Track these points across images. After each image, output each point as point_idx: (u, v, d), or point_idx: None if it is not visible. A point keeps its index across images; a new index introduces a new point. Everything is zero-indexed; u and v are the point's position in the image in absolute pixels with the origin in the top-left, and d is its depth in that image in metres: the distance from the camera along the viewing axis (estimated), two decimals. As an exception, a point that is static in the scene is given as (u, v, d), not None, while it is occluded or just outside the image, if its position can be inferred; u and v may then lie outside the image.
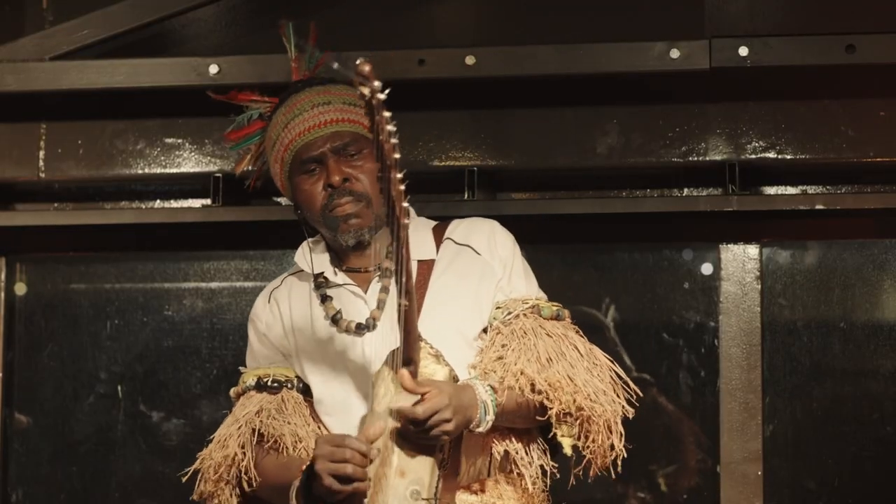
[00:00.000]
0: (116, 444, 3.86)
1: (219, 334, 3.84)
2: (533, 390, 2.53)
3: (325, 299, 2.68)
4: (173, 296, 3.89)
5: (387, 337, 2.53)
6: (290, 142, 2.70)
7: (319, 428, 2.67)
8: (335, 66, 2.58)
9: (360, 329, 2.59)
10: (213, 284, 3.87)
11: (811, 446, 3.62)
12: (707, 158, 3.54)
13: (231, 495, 2.67)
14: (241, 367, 2.83)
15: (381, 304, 2.58)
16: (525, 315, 2.64)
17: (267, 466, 2.64)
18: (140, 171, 3.72)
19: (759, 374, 3.56)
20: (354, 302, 2.68)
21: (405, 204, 2.27)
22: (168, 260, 3.89)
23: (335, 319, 2.63)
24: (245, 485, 2.64)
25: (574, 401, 2.52)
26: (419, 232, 2.73)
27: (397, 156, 2.21)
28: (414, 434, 2.40)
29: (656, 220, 3.59)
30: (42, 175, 3.75)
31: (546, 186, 3.67)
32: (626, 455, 2.57)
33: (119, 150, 3.73)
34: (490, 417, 2.49)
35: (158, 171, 3.72)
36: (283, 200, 3.75)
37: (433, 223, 2.80)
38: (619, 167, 3.59)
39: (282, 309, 2.77)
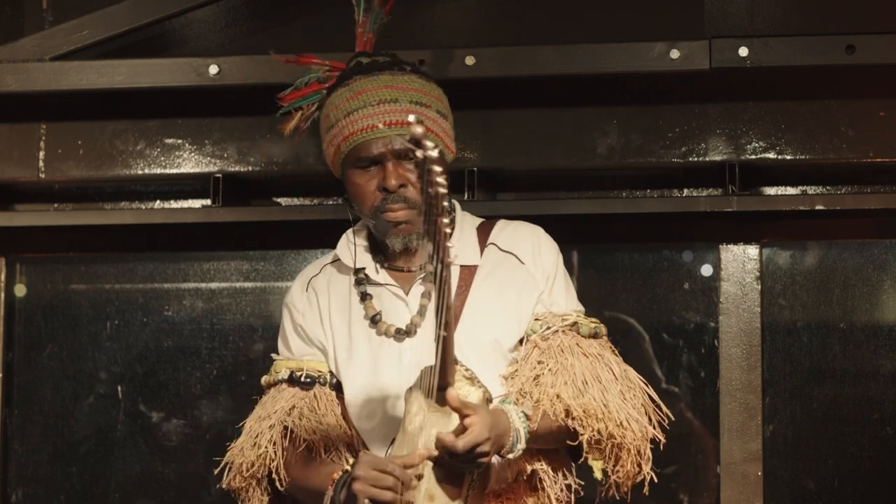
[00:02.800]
0: (116, 444, 3.86)
1: (219, 335, 3.84)
2: (567, 415, 2.52)
3: (364, 297, 2.65)
4: (173, 296, 3.89)
5: (425, 345, 2.50)
6: (350, 134, 2.63)
7: (350, 430, 2.64)
8: (402, 140, 2.55)
9: (400, 334, 2.58)
10: (213, 285, 3.87)
11: (811, 447, 3.62)
12: (707, 159, 3.54)
13: (260, 492, 2.65)
14: (273, 354, 2.78)
15: (422, 311, 2.57)
16: (564, 332, 2.61)
17: (298, 469, 2.61)
18: (140, 172, 3.72)
19: (759, 374, 3.56)
20: (395, 304, 2.64)
21: (449, 244, 2.25)
22: (168, 260, 3.89)
23: (374, 321, 2.62)
24: (278, 484, 2.61)
25: (606, 428, 2.51)
26: (463, 234, 2.70)
27: (446, 203, 2.19)
28: (448, 461, 2.38)
29: (656, 221, 3.59)
30: (42, 175, 3.75)
31: (546, 187, 3.67)
32: (656, 480, 2.57)
33: (119, 151, 3.73)
34: (521, 446, 2.47)
35: (158, 171, 3.72)
36: (283, 200, 3.75)
37: (478, 221, 2.76)
38: (618, 167, 3.59)
39: (320, 299, 2.71)
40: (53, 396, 3.89)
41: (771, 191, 3.60)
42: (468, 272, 2.65)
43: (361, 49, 2.83)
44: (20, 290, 3.93)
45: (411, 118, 2.16)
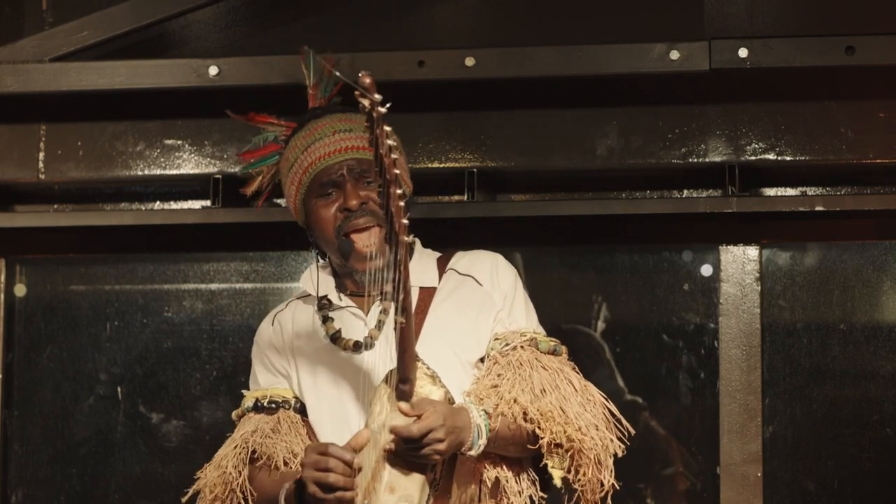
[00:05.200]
0: (116, 445, 3.86)
1: (218, 336, 3.84)
2: (525, 419, 2.54)
3: (325, 320, 2.70)
4: (173, 297, 3.89)
5: (385, 358, 2.55)
6: (309, 165, 2.71)
7: None
8: (337, 73, 2.59)
9: (358, 347, 2.61)
10: (213, 286, 3.87)
11: (811, 448, 3.62)
12: (707, 160, 3.54)
13: None
14: (243, 391, 2.83)
15: (379, 325, 2.60)
16: (523, 347, 2.65)
17: (262, 482, 2.65)
18: (140, 173, 3.72)
19: (759, 375, 3.56)
20: (355, 323, 2.69)
21: (405, 221, 2.28)
22: (168, 261, 3.89)
23: (334, 338, 2.66)
24: (242, 502, 2.64)
25: (565, 432, 2.53)
26: (423, 260, 2.75)
27: (398, 171, 2.22)
28: (406, 451, 2.42)
29: (656, 222, 3.59)
30: (42, 176, 3.75)
31: (546, 188, 3.67)
32: (617, 488, 2.56)
33: (119, 152, 3.73)
34: (482, 442, 2.50)
35: (158, 172, 3.72)
36: (283, 202, 3.75)
37: (438, 254, 2.81)
38: (618, 168, 3.59)
39: (284, 330, 2.78)
40: (53, 397, 3.90)
41: (771, 192, 3.60)
42: (427, 294, 2.69)
43: (313, 105, 2.90)
44: (20, 290, 3.93)
45: (361, 72, 2.17)
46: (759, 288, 3.58)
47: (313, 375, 2.70)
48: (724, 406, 3.56)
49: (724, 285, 3.59)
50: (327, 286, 2.76)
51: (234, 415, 2.82)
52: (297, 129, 2.80)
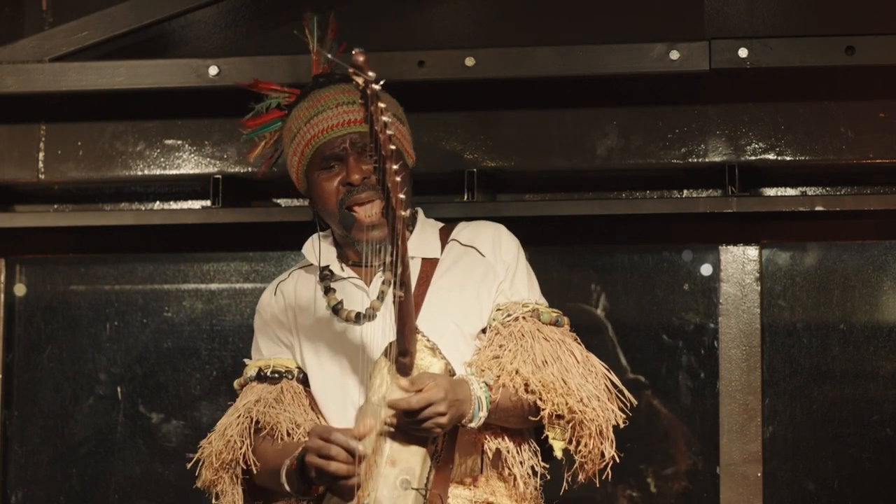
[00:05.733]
0: (116, 445, 3.86)
1: (218, 336, 3.84)
2: (527, 390, 2.55)
3: (328, 291, 2.71)
4: (173, 297, 3.89)
5: (387, 329, 2.56)
6: (312, 137, 2.73)
7: (318, 417, 2.69)
8: (329, 56, 2.60)
9: (360, 319, 2.61)
10: (213, 286, 3.87)
11: (811, 448, 3.62)
12: (707, 160, 3.54)
13: (232, 483, 2.69)
14: (245, 360, 2.84)
15: (381, 296, 2.60)
16: (524, 318, 2.66)
17: (265, 452, 2.66)
18: (140, 173, 3.72)
19: (759, 375, 3.56)
20: (357, 294, 2.71)
21: (402, 195, 2.30)
22: (168, 261, 3.89)
23: (336, 309, 2.66)
24: (253, 468, 2.65)
25: (566, 403, 2.54)
26: (425, 231, 2.77)
27: (393, 147, 2.24)
28: (407, 424, 2.43)
29: (656, 222, 3.59)
30: (42, 176, 3.75)
31: (546, 188, 3.67)
32: (618, 461, 2.57)
33: (119, 152, 3.73)
34: (483, 414, 2.51)
35: (158, 172, 3.72)
36: (283, 202, 3.75)
37: (440, 224, 2.83)
38: (618, 169, 3.59)
39: (287, 300, 2.79)
40: (53, 398, 3.89)
41: (771, 192, 3.60)
42: (429, 265, 2.72)
43: (317, 73, 2.92)
44: (20, 290, 3.93)
45: (355, 50, 2.17)
46: (759, 288, 3.57)
47: (315, 346, 2.71)
48: (724, 406, 3.56)
49: (724, 285, 3.59)
50: (329, 256, 2.78)
51: (236, 384, 2.83)
52: (301, 97, 2.81)
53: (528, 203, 3.63)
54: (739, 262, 3.59)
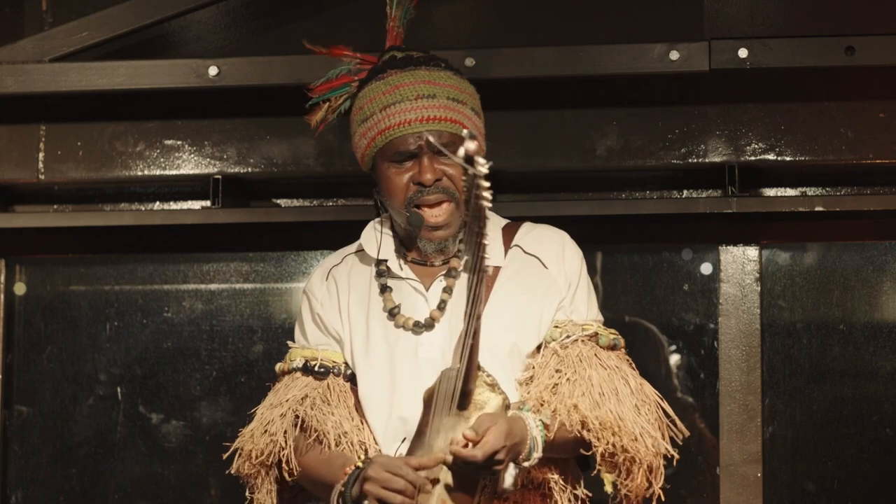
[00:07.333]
0: (116, 445, 3.86)
1: (218, 336, 3.84)
2: (583, 427, 2.51)
3: (384, 289, 2.65)
4: (173, 298, 3.89)
5: (443, 339, 2.51)
6: (386, 128, 2.62)
7: (362, 423, 2.62)
8: (431, 139, 2.56)
9: (419, 328, 2.57)
10: (213, 286, 3.87)
11: (811, 448, 3.62)
12: (706, 160, 3.54)
13: (268, 480, 2.64)
14: (288, 342, 2.77)
15: (441, 306, 2.57)
16: (583, 342, 2.60)
17: (309, 459, 2.60)
18: (139, 173, 3.72)
19: (759, 375, 3.56)
20: (415, 298, 2.64)
21: (486, 256, 2.28)
22: (167, 262, 3.89)
23: (393, 313, 2.61)
24: (286, 474, 2.60)
25: (621, 441, 2.50)
26: (489, 236, 2.69)
27: (488, 218, 2.23)
28: (463, 467, 2.38)
29: (656, 222, 3.59)
30: (41, 177, 3.75)
31: (545, 188, 3.67)
32: (663, 498, 2.56)
33: (118, 152, 3.73)
34: (538, 455, 2.46)
35: (158, 172, 3.72)
36: (283, 202, 3.75)
37: (504, 222, 2.75)
38: (618, 169, 3.58)
39: (339, 289, 2.70)
40: (53, 398, 3.89)
41: (770, 192, 3.60)
42: (491, 273, 2.63)
43: (392, 43, 2.84)
44: (20, 290, 3.93)
45: (465, 133, 2.15)
46: (759, 288, 3.58)
47: (366, 347, 2.64)
48: (723, 406, 3.56)
49: (724, 285, 3.59)
50: (387, 248, 2.69)
51: (278, 368, 2.74)
52: (376, 73, 2.71)
53: (528, 203, 3.63)
54: (739, 263, 3.59)
